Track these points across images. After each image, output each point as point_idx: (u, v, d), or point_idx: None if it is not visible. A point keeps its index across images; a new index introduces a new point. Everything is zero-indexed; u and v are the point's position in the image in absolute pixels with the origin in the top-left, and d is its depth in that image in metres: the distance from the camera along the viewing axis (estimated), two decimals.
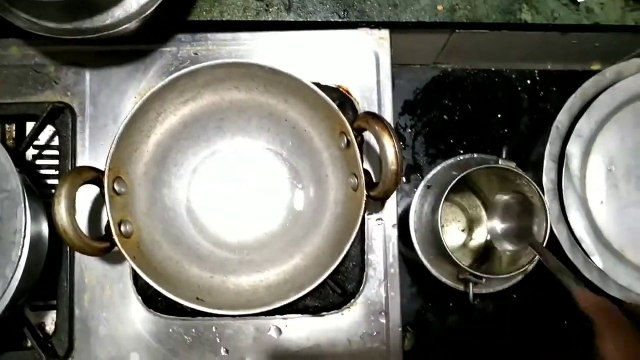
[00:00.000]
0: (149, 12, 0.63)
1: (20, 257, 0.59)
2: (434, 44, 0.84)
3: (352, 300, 0.71)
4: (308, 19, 0.74)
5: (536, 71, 0.92)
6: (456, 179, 0.63)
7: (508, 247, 0.75)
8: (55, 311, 0.72)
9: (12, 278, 0.59)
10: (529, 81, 0.92)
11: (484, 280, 0.66)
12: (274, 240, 0.71)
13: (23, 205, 0.60)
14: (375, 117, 0.58)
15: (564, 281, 0.59)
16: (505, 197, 0.76)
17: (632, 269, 0.73)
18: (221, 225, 0.71)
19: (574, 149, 0.74)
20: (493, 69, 0.92)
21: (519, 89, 0.92)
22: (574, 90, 0.76)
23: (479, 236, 0.83)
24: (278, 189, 0.72)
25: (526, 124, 0.91)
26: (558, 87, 0.92)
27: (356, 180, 0.63)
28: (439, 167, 0.71)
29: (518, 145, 0.91)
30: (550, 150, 0.74)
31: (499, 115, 0.91)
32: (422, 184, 0.70)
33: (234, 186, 0.72)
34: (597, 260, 0.73)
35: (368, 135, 0.62)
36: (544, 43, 0.82)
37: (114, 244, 0.60)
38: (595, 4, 0.75)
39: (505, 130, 0.91)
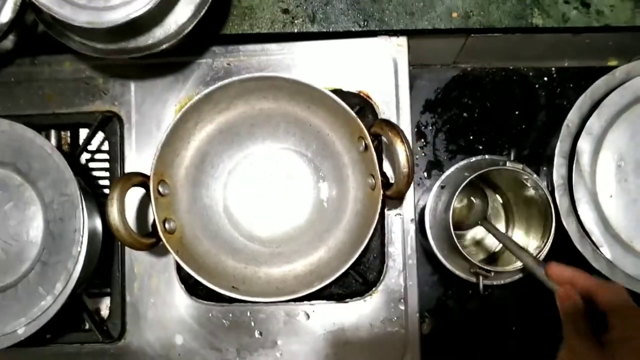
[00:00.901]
0: (186, 31, 0.70)
1: (80, 252, 0.68)
2: (452, 46, 0.88)
3: (374, 289, 0.77)
4: (331, 30, 0.79)
5: (553, 68, 0.95)
6: (467, 180, 0.68)
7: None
8: (109, 298, 0.80)
9: (73, 270, 0.68)
10: (546, 78, 0.95)
11: (492, 273, 0.71)
12: (300, 235, 0.77)
13: (81, 207, 0.68)
14: (389, 125, 0.64)
15: (523, 260, 0.64)
16: None
17: None
18: (254, 221, 0.78)
19: (584, 145, 0.77)
20: (511, 67, 0.95)
21: (536, 86, 0.95)
22: (589, 86, 0.78)
23: None
24: (304, 188, 0.79)
25: (543, 120, 0.94)
26: (575, 83, 0.95)
27: (374, 181, 0.69)
28: (452, 168, 0.76)
29: (535, 140, 0.94)
30: (560, 148, 0.78)
31: (517, 112, 0.95)
32: (437, 184, 0.75)
33: (265, 185, 0.79)
34: (606, 251, 0.76)
35: None
36: (558, 43, 0.85)
37: (159, 240, 0.68)
38: (605, 6, 0.78)
39: (523, 126, 0.94)
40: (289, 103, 0.74)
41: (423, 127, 0.95)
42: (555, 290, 0.56)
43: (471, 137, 0.95)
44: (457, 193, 0.68)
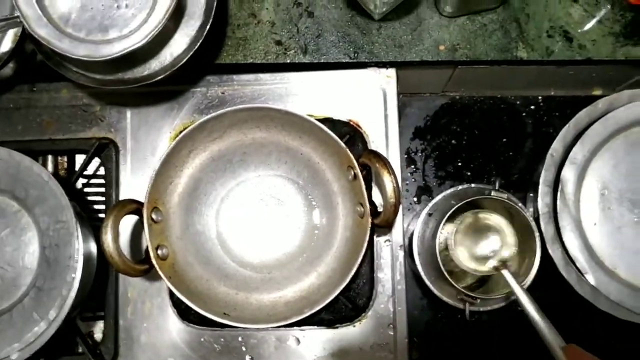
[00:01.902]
0: (181, 63, 0.73)
1: (74, 278, 0.69)
2: (440, 76, 0.90)
3: (363, 314, 0.78)
4: (322, 61, 0.81)
5: (540, 97, 0.97)
6: (453, 209, 0.70)
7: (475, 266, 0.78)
8: (102, 321, 0.81)
9: (68, 296, 0.69)
10: (532, 107, 0.97)
11: (478, 300, 0.73)
12: (291, 261, 0.79)
13: (76, 234, 0.70)
14: (376, 156, 0.66)
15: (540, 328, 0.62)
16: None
17: (624, 285, 0.78)
18: (245, 247, 0.80)
19: (568, 174, 0.79)
20: (499, 96, 0.97)
21: (524, 114, 0.97)
22: (575, 115, 0.81)
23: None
24: (295, 215, 0.80)
25: (530, 147, 0.96)
26: (561, 112, 0.97)
27: (363, 209, 0.71)
28: (439, 196, 0.78)
29: (523, 167, 0.96)
30: (545, 177, 0.80)
31: (505, 140, 0.97)
32: (424, 211, 0.77)
33: (257, 212, 0.80)
34: (590, 277, 0.78)
35: None
36: (543, 74, 0.87)
37: (152, 266, 0.69)
38: (587, 40, 0.81)
39: (511, 153, 0.96)
40: (280, 133, 0.76)
41: (413, 154, 0.97)
42: None
43: (460, 164, 0.97)
44: (444, 220, 0.70)
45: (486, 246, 0.77)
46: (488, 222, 0.78)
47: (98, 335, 0.85)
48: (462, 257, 0.76)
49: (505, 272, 0.71)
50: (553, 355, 0.61)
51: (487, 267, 0.76)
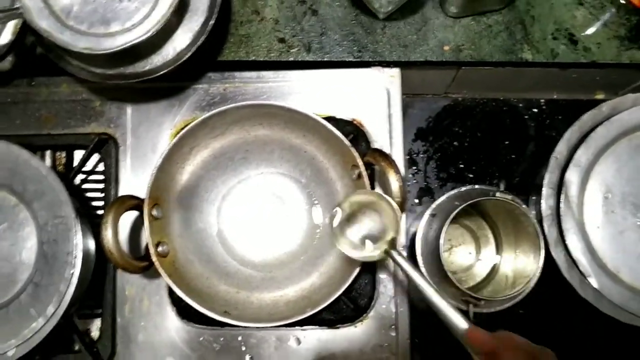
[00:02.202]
0: (184, 58, 0.72)
1: (73, 274, 0.68)
2: (444, 77, 0.90)
3: (365, 315, 0.77)
4: (326, 59, 0.81)
5: (542, 100, 0.97)
6: (457, 210, 0.69)
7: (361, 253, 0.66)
8: (99, 319, 0.80)
9: (66, 292, 0.68)
10: (535, 110, 0.97)
11: (482, 302, 0.72)
12: (293, 260, 0.78)
13: (75, 229, 0.69)
14: (382, 155, 0.65)
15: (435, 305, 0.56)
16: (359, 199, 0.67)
17: (626, 289, 0.78)
18: (247, 246, 0.79)
19: (572, 177, 0.79)
20: (501, 98, 0.97)
21: (526, 117, 0.97)
22: (577, 118, 0.81)
23: (487, 258, 0.89)
24: (297, 214, 0.80)
25: (532, 150, 0.96)
26: (563, 115, 0.96)
27: None
28: (443, 197, 0.77)
29: (525, 170, 0.96)
30: (549, 179, 0.80)
31: (507, 142, 0.97)
32: (427, 212, 0.76)
33: (258, 210, 0.80)
34: (593, 280, 0.77)
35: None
36: (546, 76, 0.87)
37: (152, 263, 0.69)
38: (592, 43, 0.81)
39: (513, 156, 0.96)
40: (284, 130, 0.76)
41: (415, 155, 0.97)
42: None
43: (461, 166, 0.96)
44: (448, 221, 0.70)
45: (367, 229, 0.66)
46: (367, 205, 0.66)
47: (95, 333, 0.83)
48: (346, 246, 0.65)
49: (395, 254, 0.61)
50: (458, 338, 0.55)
51: (375, 251, 0.64)
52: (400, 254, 0.61)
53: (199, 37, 0.72)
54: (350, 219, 0.66)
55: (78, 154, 0.87)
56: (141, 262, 0.68)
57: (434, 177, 0.97)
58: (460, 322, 0.55)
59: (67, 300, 0.68)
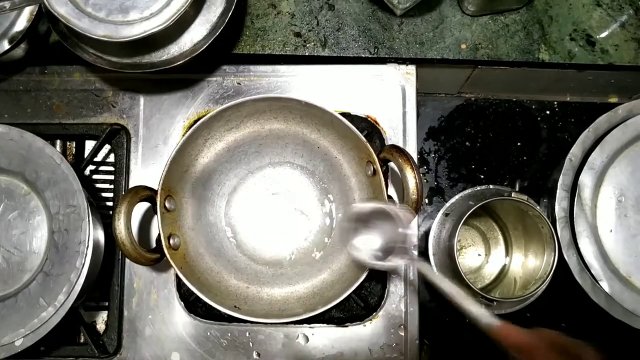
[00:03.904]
0: (201, 50, 0.71)
1: (84, 264, 0.67)
2: (458, 76, 0.89)
3: (374, 314, 0.77)
4: (341, 55, 0.80)
5: (555, 102, 0.97)
6: (471, 210, 0.69)
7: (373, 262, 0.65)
8: (106, 312, 0.79)
9: (76, 282, 0.67)
10: (548, 112, 0.97)
11: (494, 303, 0.72)
12: (304, 257, 0.78)
13: (87, 219, 0.68)
14: (399, 151, 0.65)
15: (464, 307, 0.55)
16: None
17: (638, 294, 0.78)
18: (258, 241, 0.78)
19: (586, 179, 0.78)
20: (514, 100, 0.97)
21: (539, 119, 0.97)
22: (590, 121, 0.80)
23: (496, 259, 0.89)
24: (310, 209, 0.79)
25: (544, 152, 0.96)
26: (576, 118, 0.96)
27: None
28: (457, 197, 0.77)
29: (536, 172, 0.96)
30: (563, 181, 0.79)
31: (519, 144, 0.96)
32: (441, 212, 0.76)
33: (270, 206, 0.79)
34: (605, 285, 0.77)
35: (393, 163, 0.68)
36: (561, 78, 0.87)
37: (163, 255, 0.68)
38: (610, 45, 0.80)
39: (524, 157, 0.96)
40: (298, 125, 0.75)
41: (426, 154, 0.96)
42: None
43: (473, 166, 0.96)
44: (462, 221, 0.69)
45: (381, 237, 0.65)
46: (378, 214, 0.65)
47: (101, 325, 0.83)
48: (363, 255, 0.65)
49: (417, 262, 0.61)
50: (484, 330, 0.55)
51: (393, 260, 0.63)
52: (420, 260, 0.59)
53: (217, 29, 0.71)
54: (361, 228, 0.65)
55: (88, 145, 0.86)
56: (153, 254, 0.67)
57: (444, 177, 0.96)
58: (489, 319, 0.56)
59: (77, 290, 0.67)
